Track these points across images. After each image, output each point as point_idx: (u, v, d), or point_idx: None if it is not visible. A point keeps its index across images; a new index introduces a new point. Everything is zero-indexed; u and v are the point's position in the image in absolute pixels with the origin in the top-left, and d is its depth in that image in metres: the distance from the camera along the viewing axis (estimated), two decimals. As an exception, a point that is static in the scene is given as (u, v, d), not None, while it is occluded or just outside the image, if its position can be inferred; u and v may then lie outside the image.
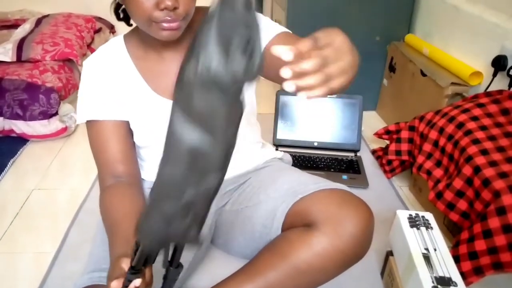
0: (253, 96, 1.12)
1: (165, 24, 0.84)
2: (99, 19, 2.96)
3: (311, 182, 1.03)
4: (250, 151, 1.18)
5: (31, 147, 1.96)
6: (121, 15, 0.98)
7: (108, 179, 0.99)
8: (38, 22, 2.57)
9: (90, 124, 1.00)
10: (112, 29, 3.09)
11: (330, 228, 0.90)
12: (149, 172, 1.13)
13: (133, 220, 0.90)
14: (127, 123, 1.02)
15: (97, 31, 2.83)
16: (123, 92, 0.99)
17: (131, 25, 0.98)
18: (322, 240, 0.90)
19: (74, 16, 2.74)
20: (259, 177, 1.14)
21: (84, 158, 1.87)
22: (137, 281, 0.69)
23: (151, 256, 0.69)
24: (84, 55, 2.51)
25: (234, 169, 1.14)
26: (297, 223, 0.96)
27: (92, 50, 2.67)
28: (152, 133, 1.02)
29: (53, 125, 1.95)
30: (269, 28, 0.94)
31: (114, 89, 0.99)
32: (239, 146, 1.17)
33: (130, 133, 1.03)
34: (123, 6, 0.93)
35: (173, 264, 0.71)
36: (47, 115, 1.92)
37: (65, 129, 1.98)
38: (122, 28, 3.60)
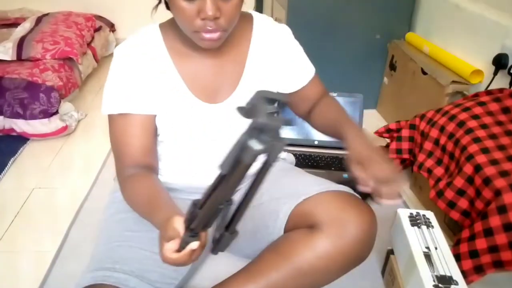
0: None
1: (205, 35, 0.83)
2: (99, 17, 2.96)
3: (315, 184, 1.03)
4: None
5: (31, 146, 1.96)
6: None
7: (128, 170, 0.95)
8: (38, 20, 2.56)
9: (116, 115, 0.95)
10: (112, 27, 3.09)
11: (334, 230, 0.90)
12: (163, 172, 1.10)
13: (167, 194, 0.89)
14: (154, 117, 0.97)
15: (97, 29, 2.83)
16: (157, 85, 0.95)
17: None
18: (325, 242, 0.90)
19: (74, 14, 2.74)
20: None
21: (85, 156, 1.87)
22: (194, 244, 0.68)
23: (211, 220, 0.68)
24: (84, 54, 2.51)
25: None
26: (300, 224, 0.96)
27: (92, 49, 2.68)
28: (176, 131, 0.98)
29: (54, 124, 1.94)
30: (306, 69, 1.11)
31: (147, 81, 0.94)
32: None
33: (155, 128, 0.99)
34: None
35: (229, 230, 0.70)
36: (48, 114, 1.92)
37: (65, 127, 1.98)
38: (122, 27, 3.60)
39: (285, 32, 1.06)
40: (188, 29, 0.84)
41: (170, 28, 0.95)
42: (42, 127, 1.93)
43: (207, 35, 0.83)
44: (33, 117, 1.90)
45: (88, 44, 2.63)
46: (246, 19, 1.02)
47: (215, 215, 0.67)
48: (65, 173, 1.77)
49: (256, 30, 1.01)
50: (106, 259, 0.91)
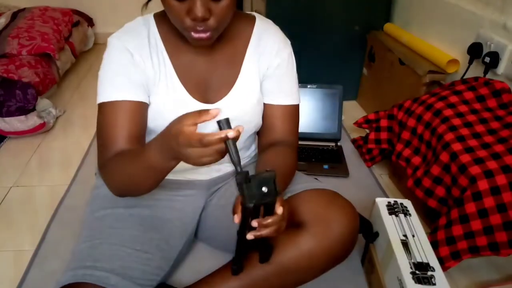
0: (260, 112, 1.07)
1: (194, 35, 0.82)
2: (77, 12, 2.91)
3: (299, 181, 1.04)
4: (243, 154, 1.16)
5: (8, 144, 1.92)
6: None
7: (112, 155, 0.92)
8: (14, 16, 2.51)
9: (107, 102, 0.92)
10: (90, 22, 3.04)
11: (318, 229, 0.91)
12: None
13: None
14: (144, 105, 0.94)
15: (75, 24, 2.79)
16: (150, 75, 0.93)
17: None
18: (310, 241, 0.91)
19: (50, 9, 2.69)
20: None
21: (64, 153, 1.85)
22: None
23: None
24: (62, 49, 2.47)
25: (223, 170, 1.14)
26: None
27: (70, 44, 2.63)
28: (166, 124, 0.97)
29: (31, 121, 1.91)
30: (291, 91, 1.07)
31: (140, 70, 0.92)
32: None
33: (145, 117, 0.96)
34: None
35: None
36: (25, 110, 1.88)
37: (43, 124, 1.95)
38: (101, 21, 3.52)
39: (286, 45, 1.04)
40: (178, 26, 0.84)
41: (165, 19, 0.93)
42: (19, 124, 1.89)
43: (196, 35, 0.82)
44: (10, 114, 1.86)
45: (66, 40, 2.59)
46: (247, 20, 1.00)
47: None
48: (44, 170, 1.74)
49: (257, 34, 1.00)
50: (87, 257, 0.90)
